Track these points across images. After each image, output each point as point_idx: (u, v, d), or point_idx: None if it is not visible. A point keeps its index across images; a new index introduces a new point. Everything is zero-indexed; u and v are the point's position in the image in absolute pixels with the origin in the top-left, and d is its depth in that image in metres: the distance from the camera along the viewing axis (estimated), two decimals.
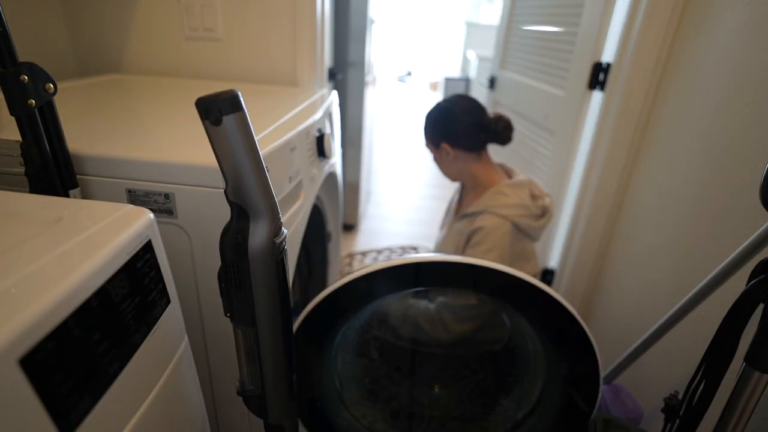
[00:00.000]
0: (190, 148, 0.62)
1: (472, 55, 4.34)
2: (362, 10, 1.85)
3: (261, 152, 0.46)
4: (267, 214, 0.47)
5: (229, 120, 0.41)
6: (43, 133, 0.52)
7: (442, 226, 1.26)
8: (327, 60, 1.36)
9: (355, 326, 0.86)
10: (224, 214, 0.48)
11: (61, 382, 0.32)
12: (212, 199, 0.59)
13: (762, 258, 0.53)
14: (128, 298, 0.40)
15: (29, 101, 0.49)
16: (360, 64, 1.96)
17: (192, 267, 0.64)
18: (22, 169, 0.53)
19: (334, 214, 1.30)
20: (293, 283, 0.95)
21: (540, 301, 0.67)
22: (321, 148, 0.93)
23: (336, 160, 1.17)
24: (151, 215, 0.45)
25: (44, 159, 0.53)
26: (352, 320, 0.79)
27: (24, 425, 0.30)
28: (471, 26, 5.02)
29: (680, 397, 0.66)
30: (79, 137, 0.63)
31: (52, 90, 0.51)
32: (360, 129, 2.10)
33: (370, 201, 2.85)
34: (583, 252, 1.34)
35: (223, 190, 0.46)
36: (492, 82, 2.01)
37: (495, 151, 1.09)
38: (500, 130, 1.03)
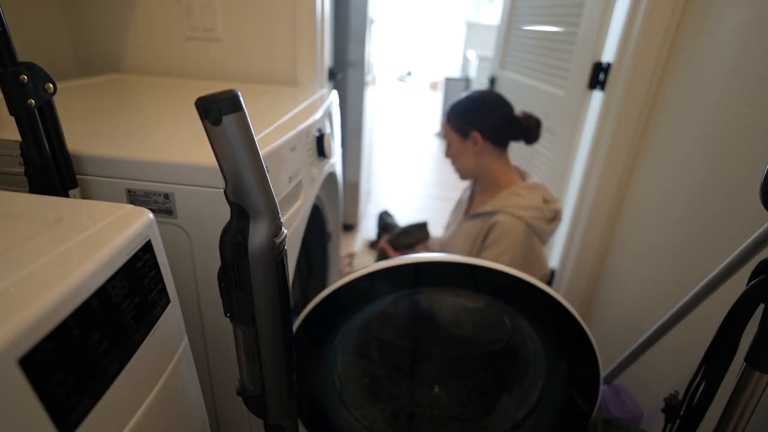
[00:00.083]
0: (189, 148, 0.62)
1: (472, 55, 4.34)
2: (362, 10, 1.85)
3: (261, 152, 0.46)
4: (267, 214, 0.47)
5: (228, 120, 0.41)
6: (42, 133, 0.52)
7: (449, 225, 1.25)
8: (327, 60, 1.36)
9: (356, 326, 0.85)
10: (224, 214, 0.48)
11: (60, 382, 0.32)
12: (212, 199, 0.59)
13: (762, 258, 0.53)
14: (128, 298, 0.40)
15: (29, 101, 0.49)
16: (360, 63, 1.96)
17: (192, 267, 0.64)
18: (22, 169, 0.53)
19: (334, 214, 1.30)
20: (293, 283, 0.95)
21: (540, 301, 0.67)
22: (321, 148, 0.93)
23: (336, 160, 1.17)
24: (151, 215, 0.45)
25: (44, 159, 0.53)
26: (352, 320, 0.79)
27: (24, 425, 0.30)
28: (471, 26, 5.02)
29: (680, 397, 0.66)
30: (79, 137, 0.63)
31: (52, 90, 0.51)
32: (360, 129, 2.10)
33: (370, 201, 2.85)
34: (583, 252, 1.34)
35: (222, 190, 0.46)
36: (492, 82, 2.01)
37: None
38: (531, 128, 1.04)
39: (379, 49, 2.60)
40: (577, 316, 0.67)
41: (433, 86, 6.99)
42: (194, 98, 0.40)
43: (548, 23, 1.56)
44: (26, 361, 0.29)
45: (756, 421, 0.60)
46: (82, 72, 1.27)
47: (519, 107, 1.09)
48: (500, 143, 1.06)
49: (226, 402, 0.75)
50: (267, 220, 0.47)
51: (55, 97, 0.52)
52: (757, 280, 0.52)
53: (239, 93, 0.41)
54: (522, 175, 1.10)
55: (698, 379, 0.61)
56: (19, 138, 0.51)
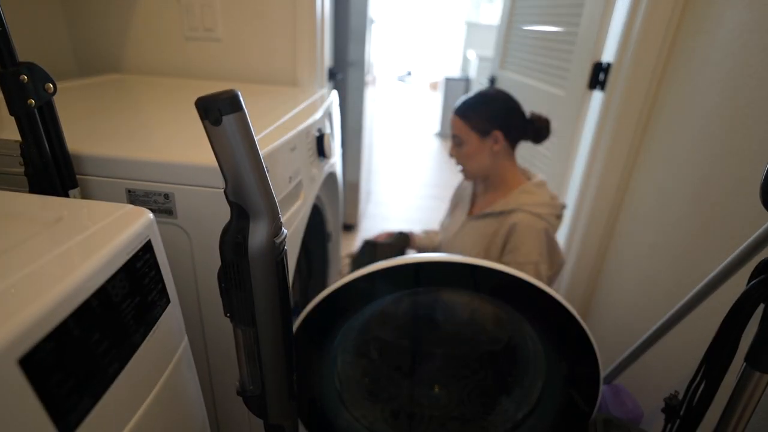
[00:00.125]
0: (189, 148, 0.62)
1: (472, 55, 4.34)
2: (362, 10, 1.85)
3: (261, 152, 0.46)
4: (267, 214, 0.47)
5: (228, 120, 0.41)
6: (42, 133, 0.52)
7: (447, 225, 1.25)
8: (327, 60, 1.36)
9: (356, 326, 0.85)
10: (224, 214, 0.48)
11: (60, 382, 0.32)
12: (212, 199, 0.59)
13: (762, 258, 0.53)
14: (128, 298, 0.40)
15: (29, 101, 0.49)
16: (360, 63, 1.96)
17: (192, 267, 0.64)
18: (22, 169, 0.53)
19: (334, 214, 1.30)
20: (293, 283, 0.95)
21: (540, 301, 0.67)
22: (321, 148, 0.93)
23: (336, 160, 1.17)
24: (151, 215, 0.45)
25: (44, 159, 0.53)
26: (352, 320, 0.79)
27: (23, 425, 0.30)
28: (471, 26, 5.02)
29: (680, 397, 0.66)
30: (79, 137, 0.63)
31: (52, 90, 0.51)
32: (360, 129, 2.10)
33: (370, 201, 2.85)
34: (583, 252, 1.34)
35: (222, 190, 0.46)
36: (492, 82, 2.01)
37: None
38: (543, 128, 1.04)
39: (379, 49, 2.60)
40: (577, 316, 0.67)
41: (433, 86, 6.99)
42: (194, 98, 0.40)
43: (548, 23, 1.56)
44: (26, 361, 0.29)
45: (756, 421, 0.60)
46: (82, 72, 1.27)
47: None
48: (515, 143, 1.06)
49: (226, 402, 0.75)
50: (267, 220, 0.47)
51: (55, 97, 0.52)
52: (757, 280, 0.52)
53: (239, 93, 0.41)
54: (525, 173, 1.10)
55: (698, 379, 0.61)
56: (19, 138, 0.52)
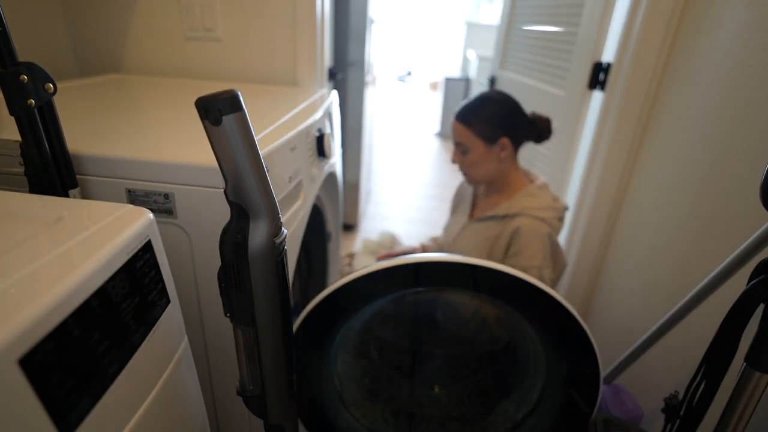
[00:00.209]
0: (189, 148, 0.62)
1: (472, 55, 4.34)
2: (362, 10, 1.85)
3: (261, 152, 0.46)
4: (267, 214, 0.47)
5: (228, 120, 0.41)
6: (42, 133, 0.52)
7: (448, 226, 1.24)
8: (327, 60, 1.36)
9: (356, 326, 0.85)
10: (224, 214, 0.48)
11: (60, 382, 0.32)
12: (212, 199, 0.59)
13: (762, 258, 0.53)
14: (128, 298, 0.40)
15: (29, 101, 0.49)
16: (360, 64, 1.96)
17: (192, 267, 0.64)
18: (22, 169, 0.53)
19: (334, 214, 1.30)
20: (293, 283, 0.95)
21: (540, 301, 0.67)
22: (321, 148, 0.93)
23: (336, 160, 1.17)
24: (151, 215, 0.45)
25: (44, 159, 0.53)
26: (352, 320, 0.79)
27: (23, 425, 0.30)
28: (471, 26, 5.02)
29: (680, 397, 0.66)
30: (79, 137, 0.63)
31: (52, 90, 0.51)
32: (360, 129, 2.10)
33: (370, 201, 2.85)
34: (583, 252, 1.34)
35: (222, 190, 0.46)
36: (492, 82, 2.01)
37: None
38: (544, 128, 1.04)
39: (379, 49, 2.60)
40: (577, 317, 0.67)
41: (433, 86, 6.99)
42: (194, 98, 0.40)
43: (548, 23, 1.56)
44: (26, 361, 0.29)
45: (756, 421, 0.60)
46: (82, 72, 1.27)
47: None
48: (519, 146, 1.04)
49: (226, 402, 0.75)
50: (267, 220, 0.47)
51: (55, 97, 0.52)
52: (757, 280, 0.52)
53: (239, 93, 0.41)
54: (527, 175, 1.10)
55: (698, 379, 0.61)
56: (19, 138, 0.52)
